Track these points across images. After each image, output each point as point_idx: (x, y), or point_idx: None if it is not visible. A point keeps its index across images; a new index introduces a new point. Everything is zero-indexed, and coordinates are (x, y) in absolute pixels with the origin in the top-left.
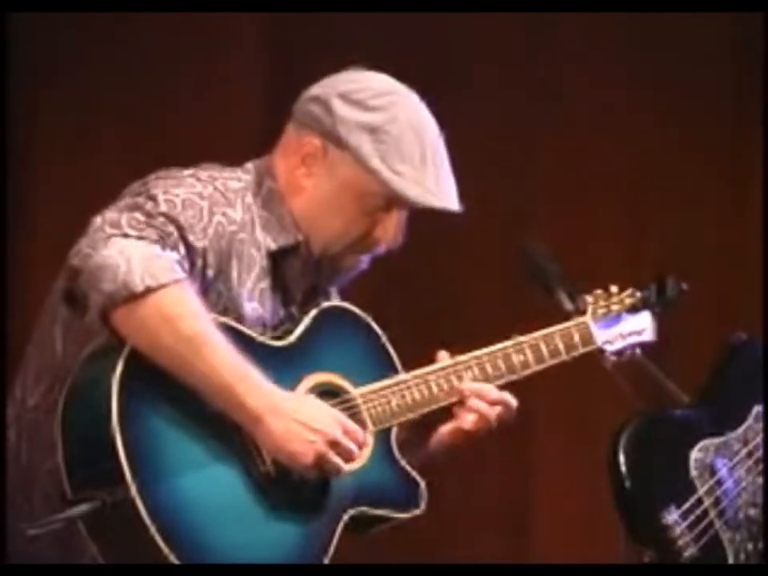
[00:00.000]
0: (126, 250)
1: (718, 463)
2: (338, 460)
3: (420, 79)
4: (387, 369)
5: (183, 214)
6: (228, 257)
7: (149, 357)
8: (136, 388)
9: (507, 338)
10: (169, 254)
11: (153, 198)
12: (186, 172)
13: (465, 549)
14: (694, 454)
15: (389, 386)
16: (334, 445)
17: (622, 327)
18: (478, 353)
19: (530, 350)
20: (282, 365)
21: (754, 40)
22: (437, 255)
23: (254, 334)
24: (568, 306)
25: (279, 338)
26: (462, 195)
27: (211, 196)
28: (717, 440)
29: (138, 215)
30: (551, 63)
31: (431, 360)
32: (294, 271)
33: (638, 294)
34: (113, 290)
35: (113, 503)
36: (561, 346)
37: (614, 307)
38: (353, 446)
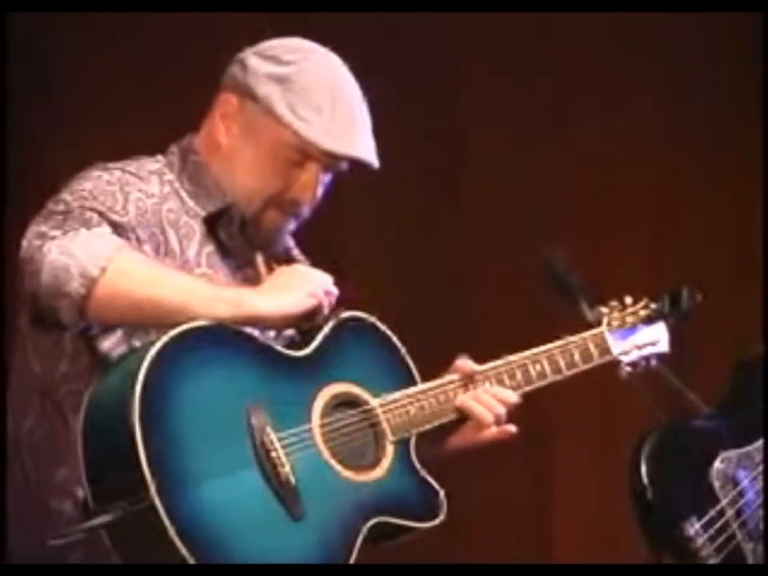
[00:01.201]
0: (63, 249)
1: (739, 474)
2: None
3: (422, 80)
4: (406, 379)
5: (96, 201)
6: (161, 229)
7: (141, 323)
8: (156, 399)
9: (527, 348)
10: (99, 229)
11: (62, 201)
12: (96, 171)
13: (483, 555)
14: (716, 465)
15: (408, 396)
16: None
17: (638, 338)
18: (495, 363)
19: (546, 360)
20: (302, 374)
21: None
22: (459, 267)
23: (272, 344)
24: (589, 316)
25: (298, 348)
26: (483, 208)
27: (120, 179)
28: (739, 451)
29: (55, 218)
30: (564, 74)
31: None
32: (232, 236)
33: (652, 306)
34: (75, 287)
35: (135, 513)
36: (577, 357)
37: (629, 318)
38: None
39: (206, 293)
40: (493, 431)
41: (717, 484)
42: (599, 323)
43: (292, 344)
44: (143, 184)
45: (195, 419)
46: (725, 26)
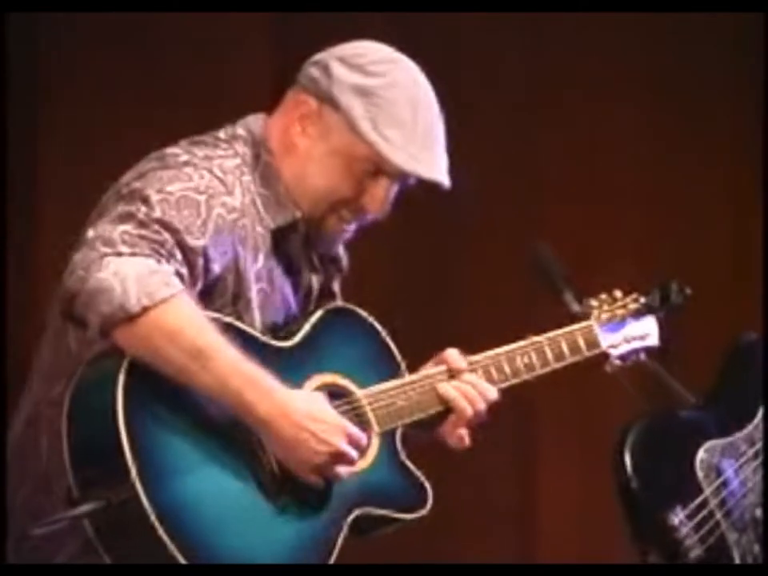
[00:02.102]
0: (120, 271)
1: (724, 464)
2: (339, 469)
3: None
4: (392, 370)
5: (179, 215)
6: (232, 246)
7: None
8: (141, 389)
9: (514, 340)
10: (165, 268)
11: (146, 201)
12: (181, 159)
13: (466, 554)
14: (700, 455)
15: (394, 387)
16: (338, 456)
17: (627, 332)
18: (483, 355)
19: (534, 353)
20: (287, 365)
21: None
22: (445, 258)
23: (257, 335)
24: (575, 308)
25: (284, 339)
26: (472, 201)
27: (208, 188)
28: (723, 441)
29: (130, 228)
30: (560, 72)
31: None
32: (296, 247)
33: (642, 300)
34: (110, 312)
35: (119, 502)
36: (565, 350)
37: (619, 312)
38: (355, 454)
39: (238, 397)
40: (460, 432)
41: (701, 474)
42: (588, 316)
43: (279, 334)
44: (227, 196)
45: (181, 409)
46: (727, 24)
